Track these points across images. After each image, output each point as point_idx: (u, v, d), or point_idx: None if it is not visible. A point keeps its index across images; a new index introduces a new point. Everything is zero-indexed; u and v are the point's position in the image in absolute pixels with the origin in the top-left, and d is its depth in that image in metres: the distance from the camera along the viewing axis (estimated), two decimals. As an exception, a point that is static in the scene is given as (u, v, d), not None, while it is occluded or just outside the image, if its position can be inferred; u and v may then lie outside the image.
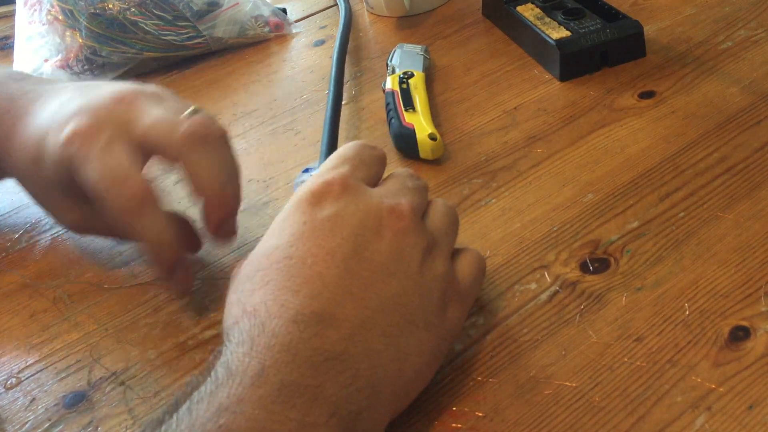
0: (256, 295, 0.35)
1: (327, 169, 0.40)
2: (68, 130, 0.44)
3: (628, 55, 0.64)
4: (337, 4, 0.85)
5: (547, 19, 0.66)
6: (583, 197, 0.50)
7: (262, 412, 0.30)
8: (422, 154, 0.56)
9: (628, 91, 0.60)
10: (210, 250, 0.52)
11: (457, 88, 0.65)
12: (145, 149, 0.44)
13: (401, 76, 0.63)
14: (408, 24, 0.78)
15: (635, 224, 0.47)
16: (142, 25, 0.76)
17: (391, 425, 0.37)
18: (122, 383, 0.44)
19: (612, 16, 0.65)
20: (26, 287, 0.53)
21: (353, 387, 0.33)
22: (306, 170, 0.55)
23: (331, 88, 0.62)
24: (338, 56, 0.68)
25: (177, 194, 0.59)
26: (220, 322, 0.47)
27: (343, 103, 0.63)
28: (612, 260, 0.45)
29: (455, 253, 0.41)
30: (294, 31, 0.82)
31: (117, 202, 0.42)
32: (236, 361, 0.32)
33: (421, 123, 0.57)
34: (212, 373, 0.32)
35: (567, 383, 0.38)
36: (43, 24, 0.78)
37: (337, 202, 0.38)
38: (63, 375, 0.45)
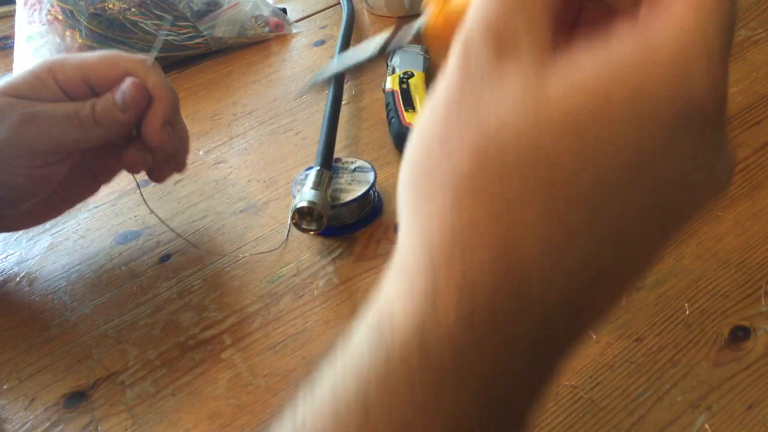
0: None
1: None
2: None
3: (628, 55, 0.63)
4: (337, 4, 0.85)
5: (547, 19, 0.66)
6: (583, 197, 0.50)
7: None
8: (422, 154, 0.56)
9: (628, 91, 0.60)
10: (210, 249, 0.52)
11: (457, 88, 0.65)
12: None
13: (401, 76, 0.63)
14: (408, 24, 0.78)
15: (635, 224, 0.47)
16: (142, 25, 0.76)
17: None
18: (122, 383, 0.44)
19: (612, 16, 0.65)
20: (27, 287, 0.53)
21: None
22: (308, 169, 0.55)
23: (331, 88, 0.62)
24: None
25: (177, 194, 0.59)
26: (219, 322, 0.47)
27: (343, 103, 0.63)
28: (612, 260, 0.45)
29: None
30: (294, 31, 0.82)
31: None
32: None
33: (421, 123, 0.57)
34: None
35: (567, 383, 0.38)
36: (43, 24, 0.78)
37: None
38: (63, 375, 0.45)
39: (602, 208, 0.20)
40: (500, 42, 0.21)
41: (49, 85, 0.48)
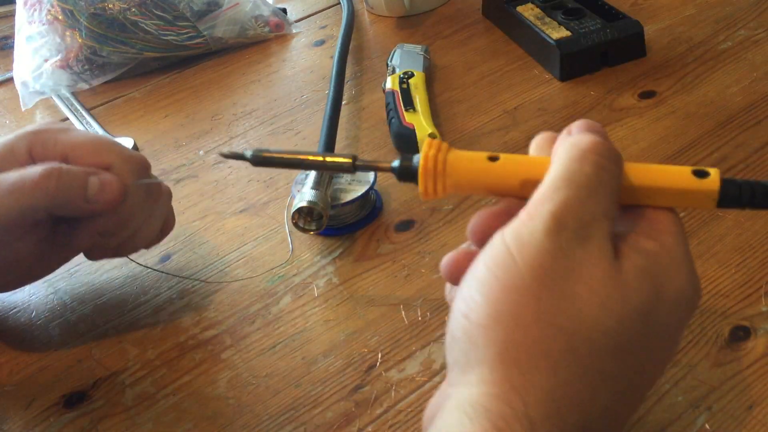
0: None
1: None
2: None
3: (628, 55, 0.63)
4: (337, 4, 0.85)
5: (547, 19, 0.66)
6: (583, 197, 0.50)
7: None
8: (422, 154, 0.56)
9: (628, 91, 0.60)
10: (211, 249, 0.52)
11: (457, 88, 0.65)
12: None
13: (401, 76, 0.63)
14: (408, 24, 0.78)
15: (635, 224, 0.47)
16: (142, 25, 0.76)
17: (388, 427, 0.37)
18: (122, 383, 0.44)
19: (612, 16, 0.65)
20: (27, 287, 0.53)
21: None
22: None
23: (332, 88, 0.62)
24: (340, 56, 0.68)
25: (177, 194, 0.59)
26: (219, 322, 0.47)
27: (343, 103, 0.63)
28: (612, 260, 0.45)
29: None
30: (294, 31, 0.82)
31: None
32: None
33: (421, 123, 0.57)
34: None
35: (567, 383, 0.38)
36: (43, 24, 0.78)
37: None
38: (63, 375, 0.45)
39: (646, 366, 0.29)
40: (582, 233, 0.28)
41: (19, 157, 0.44)
